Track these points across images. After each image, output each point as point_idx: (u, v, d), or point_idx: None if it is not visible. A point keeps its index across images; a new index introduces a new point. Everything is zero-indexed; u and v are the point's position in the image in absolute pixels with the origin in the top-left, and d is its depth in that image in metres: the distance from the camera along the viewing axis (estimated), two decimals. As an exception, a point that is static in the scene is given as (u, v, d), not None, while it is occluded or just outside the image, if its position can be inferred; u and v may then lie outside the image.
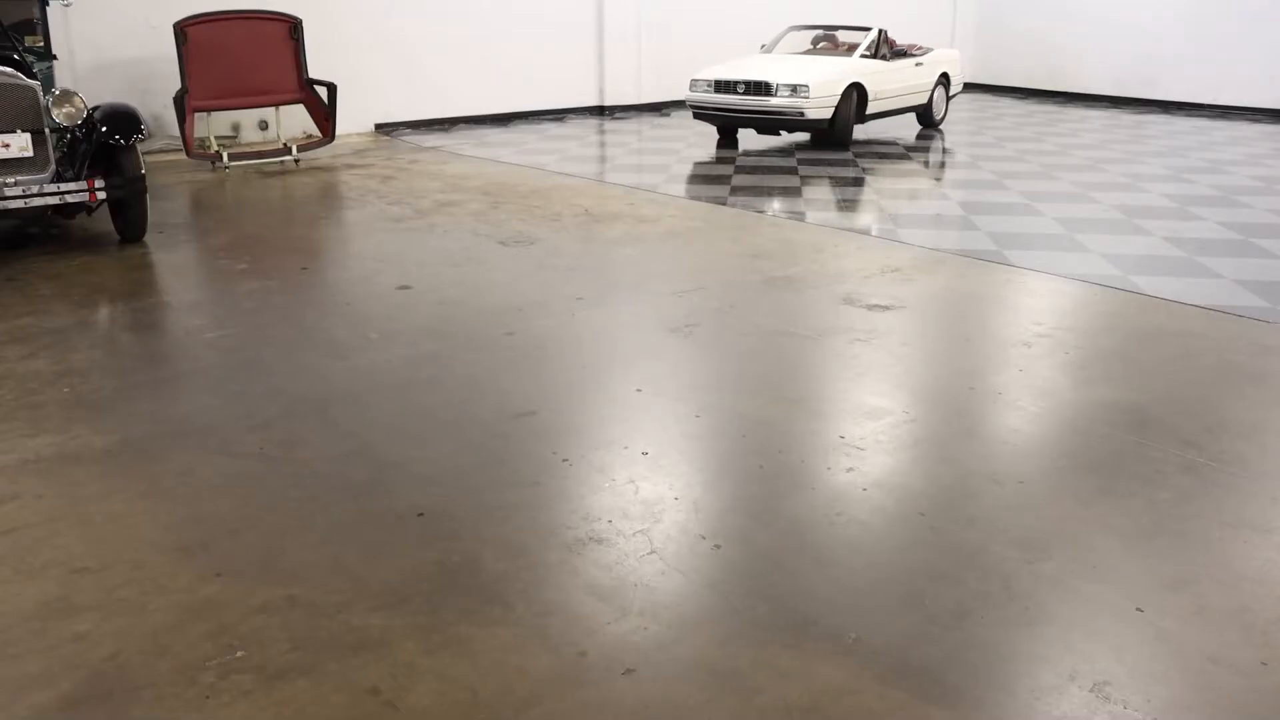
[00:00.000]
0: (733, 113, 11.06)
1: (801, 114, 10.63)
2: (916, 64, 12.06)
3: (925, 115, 12.66)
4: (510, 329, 5.10)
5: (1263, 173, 9.68)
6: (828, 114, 10.75)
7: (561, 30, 13.09)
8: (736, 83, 10.88)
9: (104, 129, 6.44)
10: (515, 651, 2.63)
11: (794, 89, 10.63)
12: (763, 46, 12.45)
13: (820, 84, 10.65)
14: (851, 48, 11.94)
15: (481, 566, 3.01)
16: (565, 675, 2.54)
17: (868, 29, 11.83)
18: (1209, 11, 14.45)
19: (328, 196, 8.50)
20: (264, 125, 10.76)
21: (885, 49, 11.71)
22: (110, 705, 2.43)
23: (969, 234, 7.22)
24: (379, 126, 11.92)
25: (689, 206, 8.10)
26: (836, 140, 11.04)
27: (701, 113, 11.40)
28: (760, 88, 10.74)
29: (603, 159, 10.55)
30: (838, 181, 9.23)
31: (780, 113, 10.73)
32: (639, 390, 4.34)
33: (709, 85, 11.13)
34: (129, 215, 6.66)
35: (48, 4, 8.14)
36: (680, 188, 8.86)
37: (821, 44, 12.49)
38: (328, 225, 7.55)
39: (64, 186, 6.33)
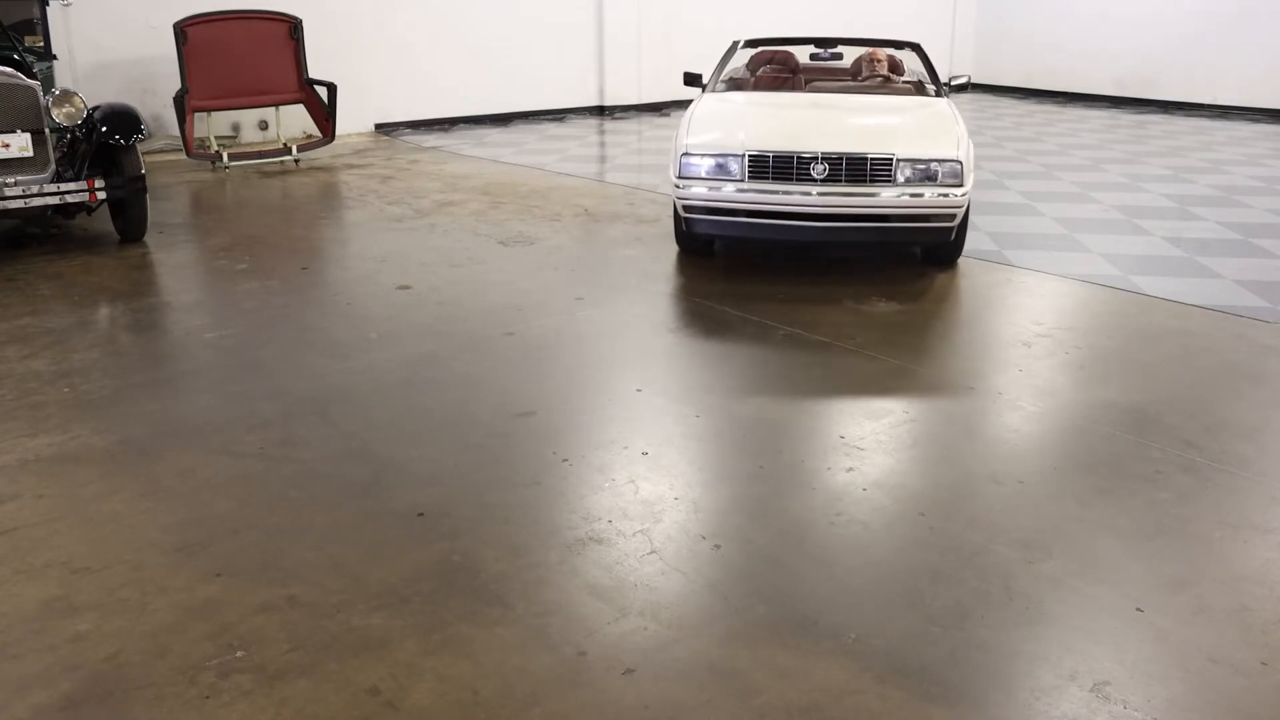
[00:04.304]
0: (803, 221, 5.59)
1: (951, 218, 5.66)
2: None
3: None
4: (510, 329, 5.10)
5: (1263, 173, 9.67)
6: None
7: (561, 30, 13.09)
8: (809, 158, 5.50)
9: (104, 129, 6.45)
10: (515, 651, 2.63)
11: (934, 170, 5.53)
12: (702, 84, 7.15)
13: (970, 158, 5.75)
14: (879, 77, 7.27)
15: (481, 566, 3.01)
16: (565, 675, 2.54)
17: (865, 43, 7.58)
18: (1209, 11, 14.44)
19: (328, 196, 8.50)
20: (264, 125, 10.76)
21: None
22: (110, 705, 2.43)
23: (969, 234, 7.20)
24: (379, 126, 11.92)
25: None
26: (949, 254, 6.21)
27: (721, 222, 5.81)
28: (862, 168, 5.50)
29: (603, 159, 10.55)
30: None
31: (914, 219, 5.63)
32: (639, 390, 4.34)
33: (742, 163, 5.61)
34: (129, 215, 6.67)
35: (48, 4, 8.14)
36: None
37: (760, 71, 7.58)
38: (328, 225, 7.55)
39: (64, 186, 6.33)
